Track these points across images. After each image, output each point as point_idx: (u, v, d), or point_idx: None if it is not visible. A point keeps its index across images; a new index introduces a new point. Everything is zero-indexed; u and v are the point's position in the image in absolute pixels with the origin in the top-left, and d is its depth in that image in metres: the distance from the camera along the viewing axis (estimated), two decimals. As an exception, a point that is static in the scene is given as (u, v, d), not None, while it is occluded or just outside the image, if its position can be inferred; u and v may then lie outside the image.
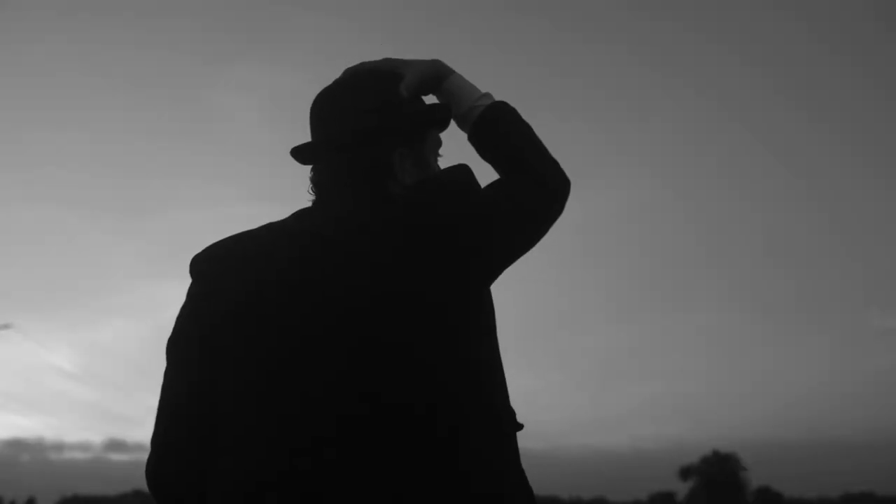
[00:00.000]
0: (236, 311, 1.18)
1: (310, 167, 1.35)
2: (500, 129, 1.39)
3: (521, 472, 1.21)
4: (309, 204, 1.32)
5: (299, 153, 1.33)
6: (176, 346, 1.24)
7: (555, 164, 1.39)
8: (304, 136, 1.37)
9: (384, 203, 1.24)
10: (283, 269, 1.18)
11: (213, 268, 1.24)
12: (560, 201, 1.36)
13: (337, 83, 1.36)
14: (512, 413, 1.23)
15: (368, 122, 1.29)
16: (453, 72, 1.42)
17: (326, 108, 1.33)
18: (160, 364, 1.27)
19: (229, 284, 1.21)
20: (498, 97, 1.44)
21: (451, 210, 1.20)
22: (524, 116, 1.45)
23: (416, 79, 1.35)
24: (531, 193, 1.32)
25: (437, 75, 1.40)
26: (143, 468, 1.26)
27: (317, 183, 1.32)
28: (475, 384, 1.15)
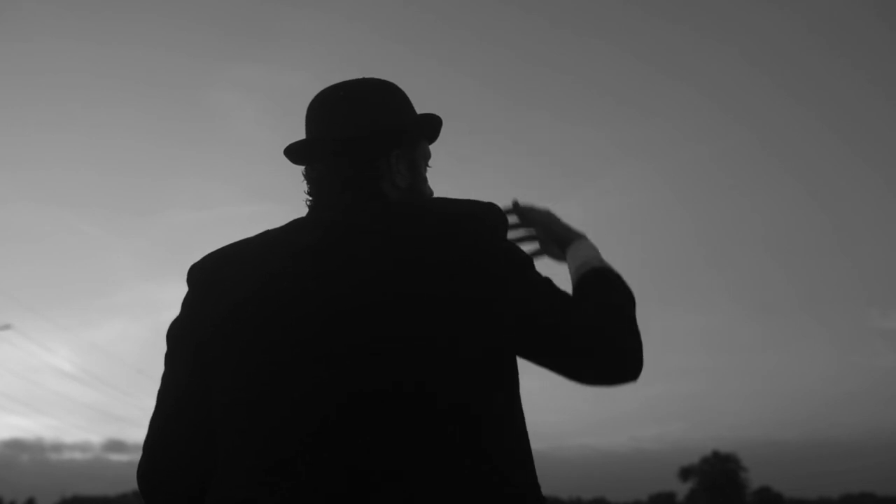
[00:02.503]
0: (230, 319, 1.19)
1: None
2: (607, 282, 1.34)
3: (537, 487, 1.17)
4: (305, 204, 1.32)
5: (293, 153, 1.33)
6: (172, 354, 1.26)
7: (639, 344, 1.25)
8: (303, 136, 1.36)
9: (380, 207, 1.24)
10: (278, 278, 1.18)
11: (208, 277, 1.26)
12: (619, 379, 1.21)
13: (336, 87, 1.35)
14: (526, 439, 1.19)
15: (366, 129, 1.29)
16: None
17: (325, 110, 1.33)
18: (159, 365, 1.28)
19: (224, 293, 1.22)
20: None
21: (469, 242, 1.15)
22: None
23: (553, 218, 1.49)
24: (593, 339, 1.18)
25: (573, 231, 1.49)
26: (143, 469, 1.26)
27: (312, 180, 1.31)
28: (467, 392, 1.12)
